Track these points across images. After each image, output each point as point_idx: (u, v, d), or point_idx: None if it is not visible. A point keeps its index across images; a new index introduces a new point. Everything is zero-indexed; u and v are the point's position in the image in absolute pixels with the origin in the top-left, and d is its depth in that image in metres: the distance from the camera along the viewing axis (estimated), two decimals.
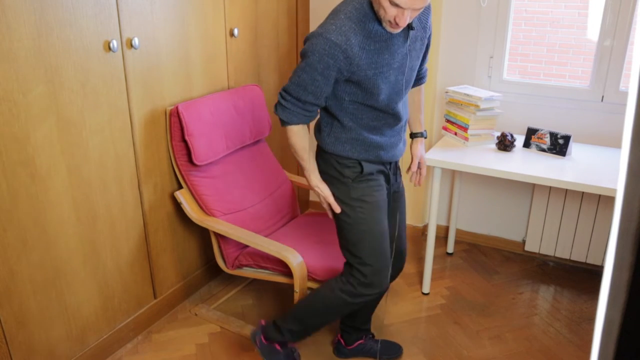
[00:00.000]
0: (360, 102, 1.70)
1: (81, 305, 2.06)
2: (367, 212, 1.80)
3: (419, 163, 2.03)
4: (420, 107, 2.04)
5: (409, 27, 1.66)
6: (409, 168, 2.03)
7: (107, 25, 1.94)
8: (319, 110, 1.80)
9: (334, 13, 1.61)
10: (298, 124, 1.74)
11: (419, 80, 1.98)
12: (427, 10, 1.75)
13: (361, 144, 1.77)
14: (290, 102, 1.70)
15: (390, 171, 1.91)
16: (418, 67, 1.81)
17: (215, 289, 2.72)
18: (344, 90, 1.68)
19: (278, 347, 2.04)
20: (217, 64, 2.51)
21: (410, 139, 2.07)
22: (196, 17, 2.33)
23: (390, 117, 1.77)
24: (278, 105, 1.74)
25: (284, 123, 1.76)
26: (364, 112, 1.72)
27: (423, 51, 1.79)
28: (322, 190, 1.83)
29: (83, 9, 1.83)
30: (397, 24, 1.54)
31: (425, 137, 2.05)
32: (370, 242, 1.80)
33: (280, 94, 1.72)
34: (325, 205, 1.87)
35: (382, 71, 1.64)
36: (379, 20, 1.60)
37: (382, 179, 1.86)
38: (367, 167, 1.80)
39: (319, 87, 1.63)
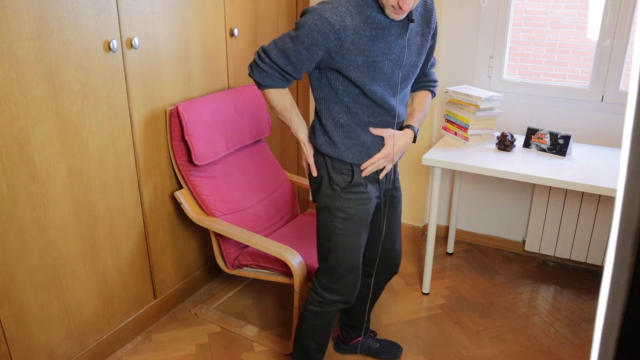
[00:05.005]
0: (354, 93, 1.63)
1: (81, 305, 2.06)
2: (348, 224, 1.75)
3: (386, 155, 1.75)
4: (419, 108, 1.84)
5: (409, 19, 1.60)
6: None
7: (107, 25, 1.94)
8: (314, 109, 1.75)
9: None
10: (276, 87, 1.67)
11: (427, 84, 1.87)
12: (431, 6, 1.70)
13: (354, 144, 1.69)
14: (268, 66, 1.62)
15: (386, 176, 1.84)
16: (420, 65, 1.73)
17: (215, 289, 2.72)
18: (337, 79, 1.62)
19: None
20: (217, 64, 2.51)
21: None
22: (196, 17, 2.33)
23: (385, 113, 1.69)
24: (254, 66, 1.65)
25: (261, 86, 1.68)
26: (359, 105, 1.65)
27: (426, 48, 1.72)
28: (307, 149, 1.77)
29: (83, 9, 1.83)
30: (400, 8, 1.49)
31: (415, 133, 1.78)
32: (342, 253, 1.77)
33: (259, 54, 1.63)
34: (304, 164, 1.81)
35: (375, 60, 1.58)
36: (380, 8, 1.55)
37: (372, 191, 1.78)
38: (358, 177, 1.73)
39: (300, 61, 1.57)
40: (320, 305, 1.85)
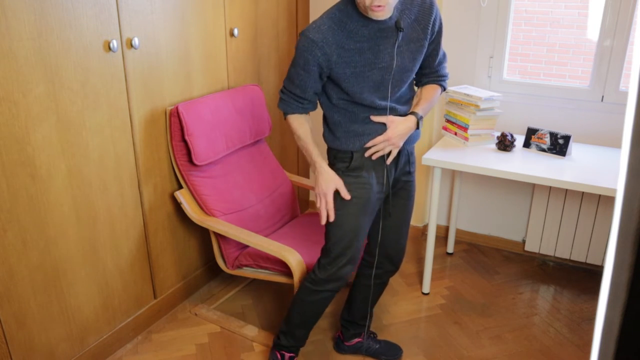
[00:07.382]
0: (346, 99, 1.78)
1: (81, 305, 2.06)
2: (345, 204, 1.84)
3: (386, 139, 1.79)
4: (426, 98, 1.88)
5: (398, 28, 1.67)
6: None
7: (107, 25, 1.94)
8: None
9: (322, 14, 1.72)
10: (294, 113, 1.85)
11: (436, 79, 1.91)
12: (428, 10, 1.74)
13: (352, 135, 1.81)
14: (285, 94, 1.83)
15: (393, 162, 1.87)
16: (416, 69, 1.80)
17: (215, 289, 2.72)
18: (331, 89, 1.78)
19: (279, 356, 2.13)
20: (217, 64, 2.51)
21: None
22: (196, 17, 2.33)
23: (382, 111, 1.80)
24: (279, 99, 1.87)
25: (284, 115, 1.87)
26: (353, 106, 1.79)
27: (422, 53, 1.78)
28: (328, 199, 1.82)
29: (83, 9, 1.83)
30: (377, 7, 1.57)
31: (418, 120, 1.83)
32: (339, 232, 1.86)
33: (281, 88, 1.86)
34: (323, 211, 1.84)
35: (362, 70, 1.70)
36: (363, 19, 1.64)
37: (372, 177, 1.84)
38: (357, 161, 1.82)
39: (302, 81, 1.75)
40: (312, 282, 1.94)
